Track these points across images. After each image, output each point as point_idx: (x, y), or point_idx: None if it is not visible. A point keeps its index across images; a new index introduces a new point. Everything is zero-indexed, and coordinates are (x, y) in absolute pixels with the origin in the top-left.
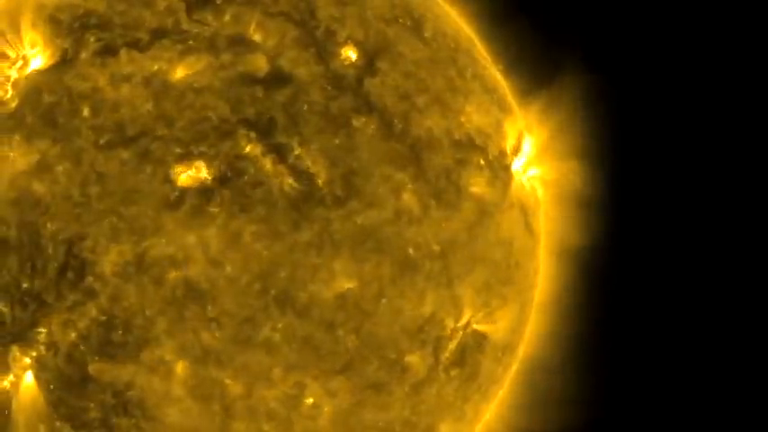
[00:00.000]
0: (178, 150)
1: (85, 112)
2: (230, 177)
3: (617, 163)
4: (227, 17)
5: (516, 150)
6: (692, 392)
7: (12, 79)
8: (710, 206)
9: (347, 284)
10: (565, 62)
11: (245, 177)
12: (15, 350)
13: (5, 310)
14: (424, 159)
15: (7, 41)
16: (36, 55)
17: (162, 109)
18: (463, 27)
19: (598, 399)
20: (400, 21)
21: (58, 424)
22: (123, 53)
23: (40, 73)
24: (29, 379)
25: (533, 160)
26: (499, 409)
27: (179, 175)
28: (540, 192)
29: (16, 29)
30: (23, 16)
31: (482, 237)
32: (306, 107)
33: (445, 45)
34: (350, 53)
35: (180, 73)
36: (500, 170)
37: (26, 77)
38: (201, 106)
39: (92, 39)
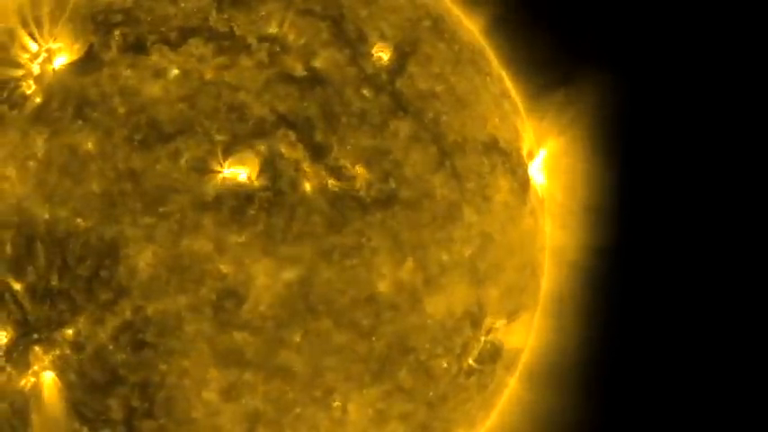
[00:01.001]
0: (215, 150)
1: (119, 109)
2: (269, 178)
3: (627, 167)
4: (258, 15)
5: (530, 155)
6: (700, 398)
7: (35, 74)
8: (722, 211)
9: (384, 288)
10: (575, 66)
11: (284, 178)
12: (37, 349)
13: (30, 307)
14: (455, 163)
15: (29, 34)
16: (60, 49)
17: (197, 107)
18: (474, 30)
19: (604, 403)
20: (423, 22)
21: (77, 425)
22: (154, 50)
23: (66, 68)
24: (48, 378)
25: (544, 165)
26: (502, 415)
27: (217, 174)
28: (549, 197)
29: (38, 21)
30: (45, 8)
31: (506, 243)
32: (342, 108)
33: (464, 47)
34: (381, 54)
35: (214, 71)
36: (521, 175)
37: (52, 72)
38: (237, 105)
39: (119, 34)
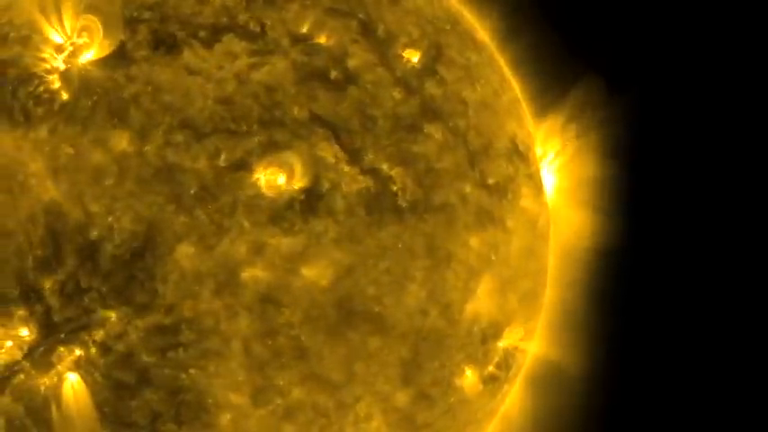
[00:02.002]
0: (253, 150)
1: (153, 107)
2: (308, 180)
3: (634, 171)
4: (287, 13)
5: (540, 159)
6: (704, 402)
7: (60, 69)
8: (729, 213)
9: (416, 293)
10: (582, 71)
11: (323, 181)
12: (62, 349)
13: (57, 306)
14: (483, 168)
15: (54, 28)
16: (86, 44)
17: (233, 107)
18: (485, 36)
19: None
20: (444, 25)
21: (99, 427)
22: (186, 47)
23: (95, 64)
24: (72, 379)
25: (552, 169)
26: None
27: (255, 176)
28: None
29: (61, 14)
30: (69, 2)
31: (525, 250)
32: (377, 110)
33: (482, 51)
34: (411, 56)
35: (248, 70)
36: (537, 180)
37: (79, 68)
38: (274, 106)
39: (148, 31)
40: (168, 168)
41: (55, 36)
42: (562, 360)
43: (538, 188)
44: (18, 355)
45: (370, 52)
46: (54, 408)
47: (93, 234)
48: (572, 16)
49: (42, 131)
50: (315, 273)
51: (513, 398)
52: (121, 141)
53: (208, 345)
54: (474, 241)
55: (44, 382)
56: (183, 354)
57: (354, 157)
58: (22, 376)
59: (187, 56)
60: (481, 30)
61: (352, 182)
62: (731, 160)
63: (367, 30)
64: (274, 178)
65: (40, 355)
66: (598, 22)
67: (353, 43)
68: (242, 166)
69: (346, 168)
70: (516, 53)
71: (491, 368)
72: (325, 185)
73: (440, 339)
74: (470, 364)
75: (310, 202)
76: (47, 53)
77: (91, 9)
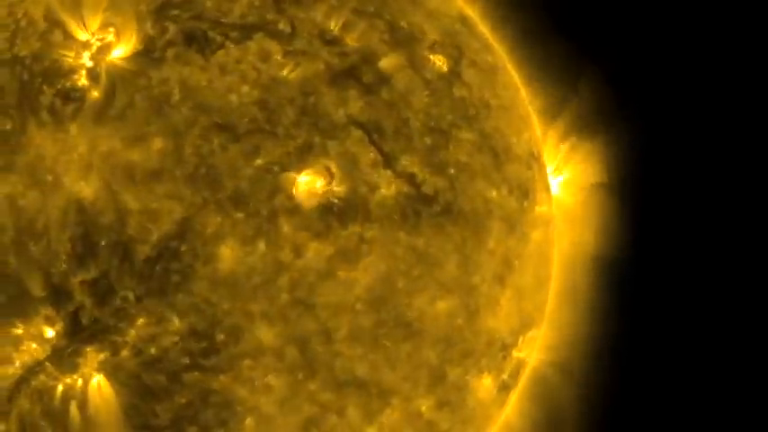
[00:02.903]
0: (291, 152)
1: (188, 106)
2: (346, 184)
3: (638, 176)
4: (317, 14)
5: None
6: (712, 411)
7: (87, 66)
8: (736, 221)
9: (451, 301)
10: (587, 75)
11: (360, 184)
12: (90, 350)
13: (87, 305)
14: (508, 175)
15: (75, 23)
16: (112, 40)
17: (269, 108)
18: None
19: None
20: (463, 28)
21: (125, 430)
22: (218, 46)
23: (124, 62)
24: (98, 382)
25: (558, 175)
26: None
27: (293, 177)
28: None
29: (84, 9)
30: None
31: (540, 257)
32: (409, 113)
33: (496, 56)
34: (437, 58)
35: (281, 71)
36: (548, 186)
37: (107, 65)
38: (309, 108)
39: (178, 28)
40: (205, 169)
41: (78, 31)
42: (562, 368)
43: (549, 194)
44: (40, 355)
45: (399, 54)
46: (75, 410)
47: (127, 234)
48: (578, 21)
49: (73, 129)
50: (350, 278)
51: (514, 405)
52: (156, 141)
53: (241, 349)
54: (500, 248)
55: (66, 384)
56: (216, 358)
57: (389, 160)
58: (42, 377)
59: (220, 55)
60: (489, 32)
61: (388, 186)
62: (740, 167)
63: (394, 31)
64: (313, 181)
65: (65, 356)
66: (605, 27)
67: (383, 44)
68: (280, 169)
69: (382, 172)
70: (523, 57)
71: (505, 376)
72: (363, 189)
73: (466, 347)
74: (489, 372)
75: (348, 206)
76: (71, 49)
77: (114, 4)
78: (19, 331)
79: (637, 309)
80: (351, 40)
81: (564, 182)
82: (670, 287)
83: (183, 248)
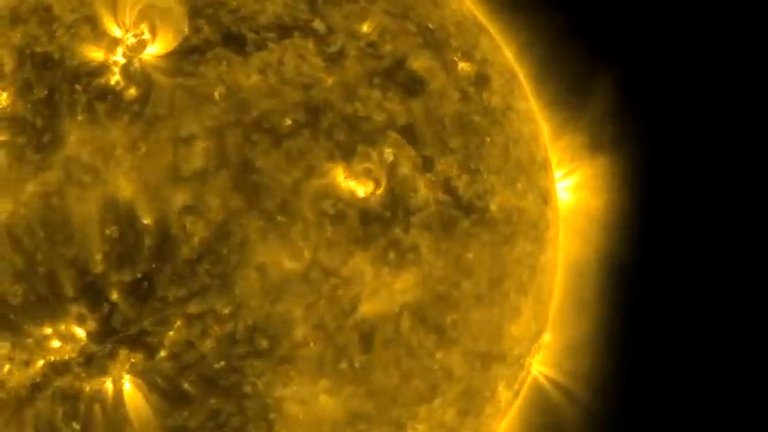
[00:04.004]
0: (332, 154)
1: (229, 107)
2: (388, 190)
3: (644, 177)
4: (351, 15)
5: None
6: (721, 414)
7: (121, 63)
8: (744, 227)
9: (483, 309)
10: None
11: (402, 188)
12: (123, 352)
13: (123, 306)
14: (532, 180)
15: (111, 18)
16: (147, 38)
17: (310, 109)
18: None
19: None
20: (479, 31)
21: None
22: (255, 45)
23: (162, 60)
24: (130, 385)
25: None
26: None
27: (336, 181)
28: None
29: (115, 5)
30: None
31: (554, 262)
32: (444, 117)
33: (507, 57)
34: (465, 62)
35: (319, 73)
36: (557, 191)
37: (142, 63)
38: (349, 109)
39: (211, 27)
40: (248, 172)
41: (111, 26)
42: (564, 373)
43: (556, 200)
44: (68, 356)
45: (431, 57)
46: (101, 414)
47: (168, 236)
48: (585, 27)
49: (110, 128)
50: (392, 285)
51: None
52: (198, 141)
53: (279, 355)
54: (526, 255)
55: (94, 386)
56: (254, 363)
57: (428, 164)
58: (68, 379)
59: (259, 55)
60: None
61: (428, 191)
62: (748, 174)
63: (424, 33)
64: (357, 186)
65: (95, 358)
66: (614, 31)
67: (415, 47)
68: (322, 173)
69: (422, 176)
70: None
71: (517, 385)
72: (404, 195)
73: (492, 356)
74: (507, 380)
75: (390, 212)
76: (103, 45)
77: (149, 2)
78: (48, 331)
79: (641, 314)
80: (384, 42)
81: (569, 186)
82: (675, 293)
83: (225, 251)
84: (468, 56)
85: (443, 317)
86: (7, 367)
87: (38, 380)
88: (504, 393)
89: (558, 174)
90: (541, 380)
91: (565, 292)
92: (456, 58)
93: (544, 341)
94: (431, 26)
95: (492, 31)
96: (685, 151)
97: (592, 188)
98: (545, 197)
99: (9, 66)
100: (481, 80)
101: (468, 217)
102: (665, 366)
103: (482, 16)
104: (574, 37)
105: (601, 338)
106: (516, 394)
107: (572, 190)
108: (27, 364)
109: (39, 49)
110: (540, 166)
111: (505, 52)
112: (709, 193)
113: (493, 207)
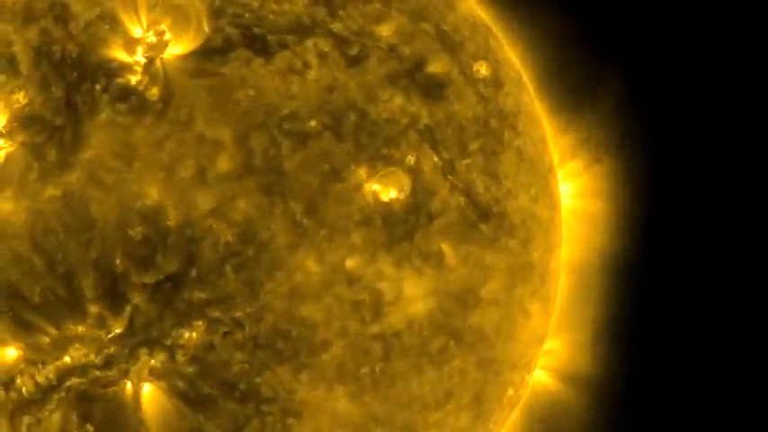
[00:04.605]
0: (357, 157)
1: (254, 108)
2: (414, 194)
3: (647, 180)
4: (369, 17)
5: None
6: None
7: (142, 63)
8: (748, 228)
9: (499, 314)
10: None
11: (426, 192)
12: (142, 355)
13: (145, 308)
14: (544, 183)
15: (130, 18)
16: (167, 38)
17: (332, 110)
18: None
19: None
20: (489, 33)
21: None
22: (277, 47)
23: (184, 61)
24: (151, 388)
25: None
26: None
27: (361, 184)
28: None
29: (133, 4)
30: None
31: (558, 269)
32: (463, 120)
33: (512, 58)
34: (481, 66)
35: (342, 73)
36: (560, 194)
37: (165, 63)
38: (372, 111)
39: (233, 28)
40: (273, 174)
41: (130, 26)
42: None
43: (560, 204)
44: (86, 357)
45: (448, 60)
46: (121, 415)
47: (193, 238)
48: (589, 29)
49: (134, 128)
50: (413, 289)
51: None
52: (224, 143)
53: (303, 360)
54: (539, 260)
55: (113, 387)
56: (276, 367)
57: (449, 168)
58: (84, 380)
59: (281, 56)
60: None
61: (450, 195)
62: (751, 176)
63: (440, 35)
64: (381, 189)
65: (115, 359)
66: (616, 35)
67: (433, 49)
68: (347, 176)
69: (444, 180)
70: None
71: (522, 389)
72: (427, 198)
73: (508, 362)
74: (514, 384)
75: (413, 216)
76: (122, 44)
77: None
78: (66, 332)
79: (644, 317)
80: (403, 44)
81: (572, 189)
82: (679, 295)
83: (250, 254)
84: (482, 58)
85: (462, 322)
86: (21, 367)
87: (53, 381)
88: (512, 398)
89: (559, 176)
90: (545, 382)
91: (567, 295)
92: (471, 60)
93: (549, 345)
94: (446, 28)
95: (496, 31)
96: (688, 154)
97: (594, 191)
98: (553, 202)
99: (25, 64)
100: (495, 82)
101: (487, 222)
102: (668, 369)
103: (486, 17)
104: (577, 39)
105: (603, 341)
106: (520, 398)
107: (574, 192)
108: (43, 364)
109: (56, 48)
110: (547, 169)
111: (511, 53)
112: (712, 195)
113: (510, 212)
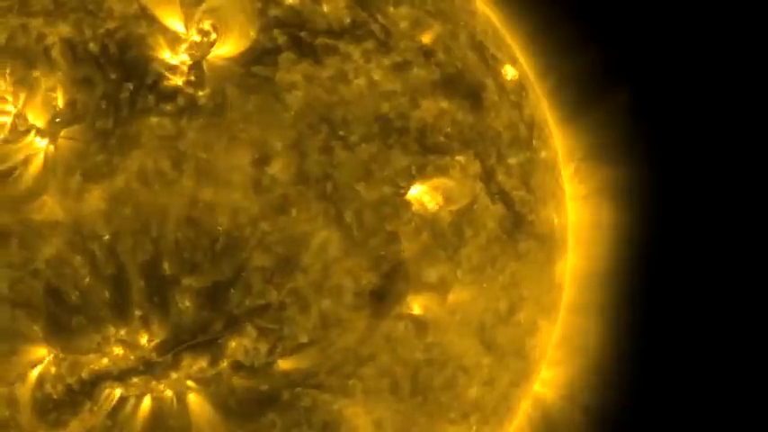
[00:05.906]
0: (404, 165)
1: (304, 113)
2: (456, 203)
3: (652, 189)
4: (403, 20)
5: None
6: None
7: (188, 63)
8: (753, 227)
9: (526, 326)
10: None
11: (471, 205)
12: (187, 360)
13: (191, 313)
14: (557, 193)
15: (173, 16)
16: (212, 38)
17: (378, 116)
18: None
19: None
20: (501, 35)
21: None
22: (323, 51)
23: (232, 62)
24: (192, 394)
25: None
26: None
27: (411, 194)
28: None
29: (174, 3)
30: None
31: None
32: (500, 127)
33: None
34: (508, 72)
35: (383, 76)
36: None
37: (210, 64)
38: (417, 118)
39: (279, 31)
40: (327, 183)
41: (173, 24)
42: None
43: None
44: (127, 360)
45: (481, 67)
46: (159, 421)
47: (242, 245)
48: (595, 38)
49: (185, 130)
50: (460, 300)
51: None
52: (277, 148)
53: (345, 371)
54: (560, 274)
55: (153, 394)
56: (318, 378)
57: (490, 176)
58: (126, 384)
59: (329, 62)
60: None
61: (492, 204)
62: (755, 182)
63: (470, 38)
64: (428, 199)
65: (157, 364)
66: (623, 44)
67: (466, 57)
68: (398, 184)
69: (486, 188)
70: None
71: (530, 398)
72: (470, 207)
73: (526, 371)
74: (527, 395)
75: (458, 225)
76: (165, 44)
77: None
78: (108, 334)
79: (649, 326)
80: (437, 46)
81: (576, 196)
82: (684, 302)
83: (301, 261)
84: (508, 61)
85: (497, 334)
86: (54, 370)
87: (87, 384)
88: (522, 408)
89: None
90: (548, 393)
91: (572, 304)
92: (501, 69)
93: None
94: (478, 35)
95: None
96: (693, 163)
97: (598, 199)
98: (564, 212)
99: (61, 60)
100: (521, 89)
101: (522, 232)
102: (672, 377)
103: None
104: (583, 47)
105: (607, 351)
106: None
107: (579, 201)
108: (76, 366)
109: (93, 45)
110: (559, 176)
111: (522, 60)
112: (716, 203)
113: (539, 223)
